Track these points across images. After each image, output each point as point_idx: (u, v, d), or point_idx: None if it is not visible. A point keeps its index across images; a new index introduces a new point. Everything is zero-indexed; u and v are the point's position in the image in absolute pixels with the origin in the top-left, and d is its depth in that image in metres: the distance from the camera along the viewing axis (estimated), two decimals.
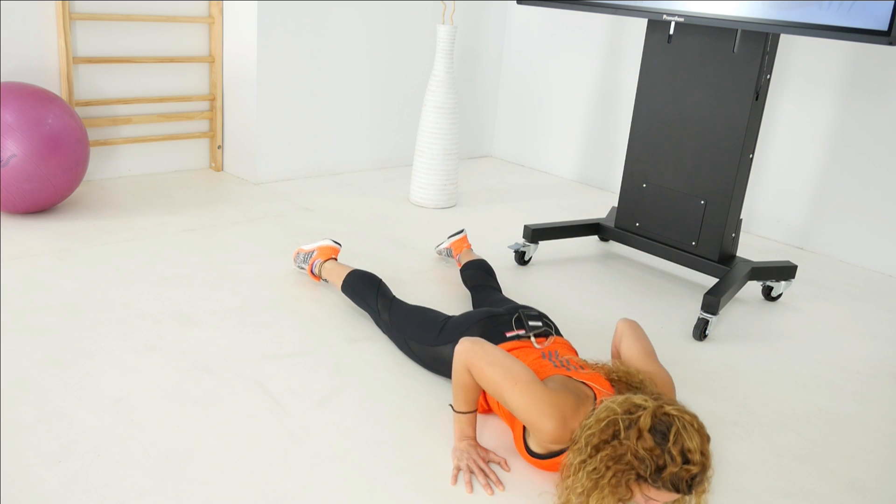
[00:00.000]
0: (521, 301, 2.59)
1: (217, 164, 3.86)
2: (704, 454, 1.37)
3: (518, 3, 2.98)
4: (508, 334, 1.91)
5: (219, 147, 3.84)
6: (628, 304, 2.69)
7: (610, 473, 1.38)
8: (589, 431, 1.43)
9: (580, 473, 1.41)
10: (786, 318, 2.69)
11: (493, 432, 1.85)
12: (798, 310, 2.78)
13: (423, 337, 2.07)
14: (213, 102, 3.77)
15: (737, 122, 2.58)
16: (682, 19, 2.51)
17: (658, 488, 1.37)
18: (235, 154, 3.80)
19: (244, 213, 3.28)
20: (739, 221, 2.74)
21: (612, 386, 1.69)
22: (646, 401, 1.42)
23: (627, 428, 1.38)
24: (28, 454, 1.62)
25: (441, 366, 2.03)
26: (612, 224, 3.04)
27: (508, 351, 1.84)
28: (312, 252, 2.59)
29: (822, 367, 2.36)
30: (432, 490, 1.63)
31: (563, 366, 1.75)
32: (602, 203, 3.93)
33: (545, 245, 3.20)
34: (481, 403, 1.89)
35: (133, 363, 2.01)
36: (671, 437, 1.36)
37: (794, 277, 2.79)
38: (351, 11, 3.81)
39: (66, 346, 2.06)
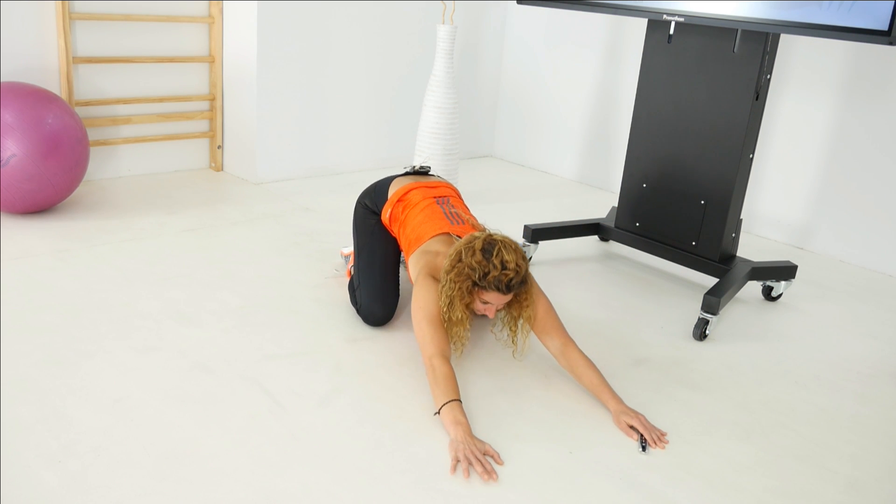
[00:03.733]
0: None
1: (217, 164, 3.86)
2: (519, 265, 1.90)
3: (518, 3, 2.98)
4: (401, 171, 2.44)
5: (219, 147, 3.84)
6: (628, 304, 2.69)
7: (456, 286, 1.92)
8: (446, 263, 1.97)
9: (442, 295, 1.96)
10: (786, 318, 2.69)
11: (488, 425, 1.85)
12: (798, 310, 2.78)
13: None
14: (213, 102, 3.77)
15: (737, 122, 2.58)
16: (682, 19, 2.51)
17: (487, 290, 1.91)
18: (235, 154, 3.80)
19: (244, 213, 3.28)
20: (739, 221, 2.74)
21: None
22: (481, 233, 1.97)
23: (467, 252, 1.93)
24: (28, 454, 1.62)
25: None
26: (612, 224, 3.04)
27: (405, 191, 2.36)
28: (350, 256, 2.70)
29: (822, 367, 2.36)
30: (432, 490, 1.63)
31: (451, 216, 2.25)
32: (602, 203, 3.93)
33: (545, 245, 3.20)
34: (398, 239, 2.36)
35: (133, 363, 2.01)
36: (494, 253, 1.90)
37: (794, 277, 2.79)
38: (351, 11, 3.81)
39: (66, 346, 2.06)
